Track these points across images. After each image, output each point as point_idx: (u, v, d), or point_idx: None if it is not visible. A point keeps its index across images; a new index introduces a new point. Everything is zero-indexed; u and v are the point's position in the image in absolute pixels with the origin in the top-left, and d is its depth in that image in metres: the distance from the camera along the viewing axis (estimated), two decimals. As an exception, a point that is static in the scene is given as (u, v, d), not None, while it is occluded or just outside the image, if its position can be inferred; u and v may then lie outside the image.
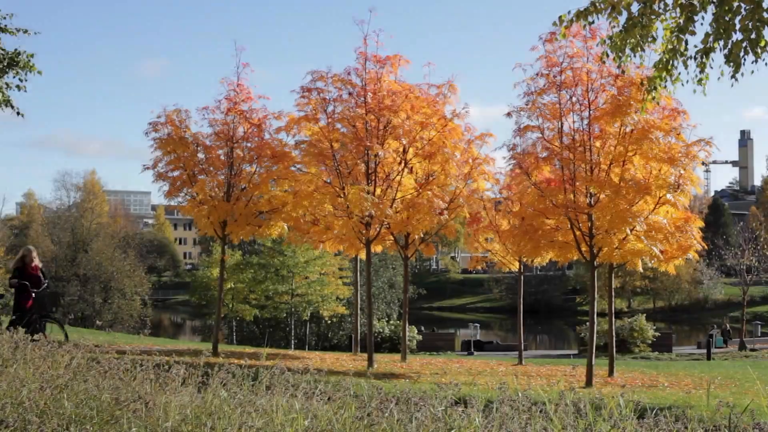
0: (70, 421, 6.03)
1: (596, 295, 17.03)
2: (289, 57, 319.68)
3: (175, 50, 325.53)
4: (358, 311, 23.42)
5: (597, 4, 8.61)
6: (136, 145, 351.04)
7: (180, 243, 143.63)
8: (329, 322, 48.97)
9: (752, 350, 41.97)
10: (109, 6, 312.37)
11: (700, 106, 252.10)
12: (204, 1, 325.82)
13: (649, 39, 8.62)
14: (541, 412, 5.88)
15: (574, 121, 16.38)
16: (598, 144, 16.15)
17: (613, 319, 18.54)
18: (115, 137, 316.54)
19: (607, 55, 8.99)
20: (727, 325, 51.66)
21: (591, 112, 16.10)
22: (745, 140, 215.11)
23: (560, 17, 8.85)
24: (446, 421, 5.89)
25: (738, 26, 7.96)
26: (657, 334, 39.76)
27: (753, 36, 7.90)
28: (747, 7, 7.84)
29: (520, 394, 5.97)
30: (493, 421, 5.79)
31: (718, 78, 8.30)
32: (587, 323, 19.91)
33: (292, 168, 19.81)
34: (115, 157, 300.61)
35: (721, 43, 8.11)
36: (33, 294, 15.61)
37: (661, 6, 8.38)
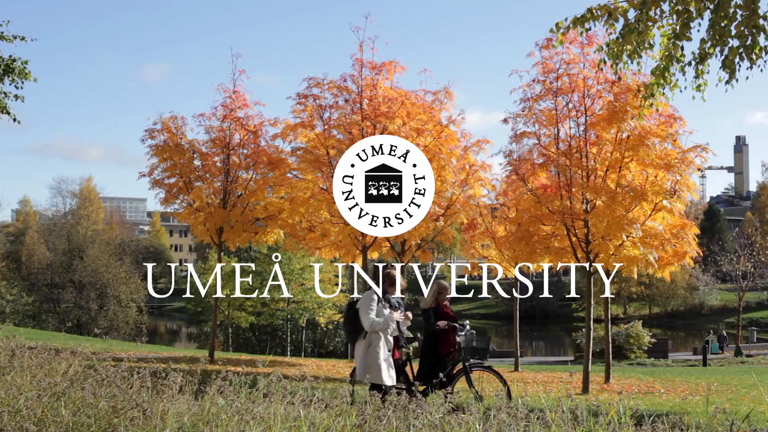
0: (67, 429, 6.01)
1: (592, 302, 17.02)
2: (291, 63, 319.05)
3: (178, 56, 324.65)
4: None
5: (594, 11, 8.62)
6: (135, 152, 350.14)
7: (176, 250, 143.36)
8: (325, 329, 48.94)
9: (748, 356, 41.95)
10: (111, 11, 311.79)
11: (701, 112, 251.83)
12: (207, 7, 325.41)
13: (646, 45, 8.64)
14: (538, 419, 5.87)
15: (570, 128, 16.38)
16: (594, 150, 16.14)
17: (609, 325, 18.53)
18: (115, 144, 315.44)
19: (605, 62, 9.01)
20: (723, 331, 51.68)
21: (587, 118, 16.10)
22: (740, 146, 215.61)
23: (557, 24, 8.87)
24: (444, 428, 5.88)
25: (734, 32, 7.98)
26: (653, 340, 39.72)
27: (749, 42, 7.93)
28: (743, 13, 7.87)
29: (519, 401, 5.96)
30: (491, 428, 5.78)
31: (716, 84, 8.33)
32: (583, 329, 19.91)
33: (289, 175, 19.80)
34: (114, 164, 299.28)
35: (718, 49, 8.13)
36: (457, 338, 12.64)
37: (658, 12, 8.40)
